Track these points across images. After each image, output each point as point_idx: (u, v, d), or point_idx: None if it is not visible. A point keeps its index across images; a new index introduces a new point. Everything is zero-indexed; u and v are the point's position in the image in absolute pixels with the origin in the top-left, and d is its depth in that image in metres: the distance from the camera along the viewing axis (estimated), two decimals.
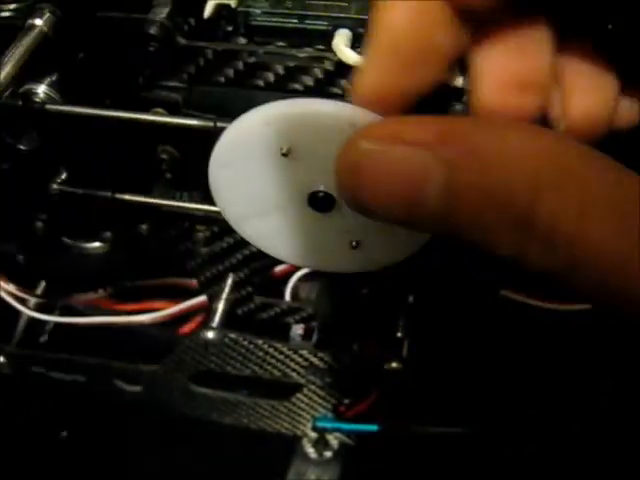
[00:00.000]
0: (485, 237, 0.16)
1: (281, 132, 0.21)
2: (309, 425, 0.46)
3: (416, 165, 0.16)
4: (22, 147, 0.34)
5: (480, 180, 0.16)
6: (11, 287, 0.46)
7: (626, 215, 0.15)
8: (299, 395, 0.44)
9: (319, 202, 0.23)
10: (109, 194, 0.36)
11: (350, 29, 0.31)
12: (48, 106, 0.32)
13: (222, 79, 0.32)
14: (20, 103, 0.32)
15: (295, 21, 0.31)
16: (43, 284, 0.47)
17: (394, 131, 0.17)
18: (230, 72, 0.32)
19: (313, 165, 0.22)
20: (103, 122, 0.32)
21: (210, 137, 0.24)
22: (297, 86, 0.32)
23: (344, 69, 0.31)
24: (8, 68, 0.30)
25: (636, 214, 0.15)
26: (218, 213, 0.32)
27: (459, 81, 0.26)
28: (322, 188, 0.23)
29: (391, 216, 0.18)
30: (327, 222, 0.23)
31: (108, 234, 0.42)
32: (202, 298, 0.44)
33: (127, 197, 0.37)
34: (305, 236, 0.24)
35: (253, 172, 0.23)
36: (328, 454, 0.46)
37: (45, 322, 0.48)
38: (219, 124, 0.30)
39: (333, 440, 0.46)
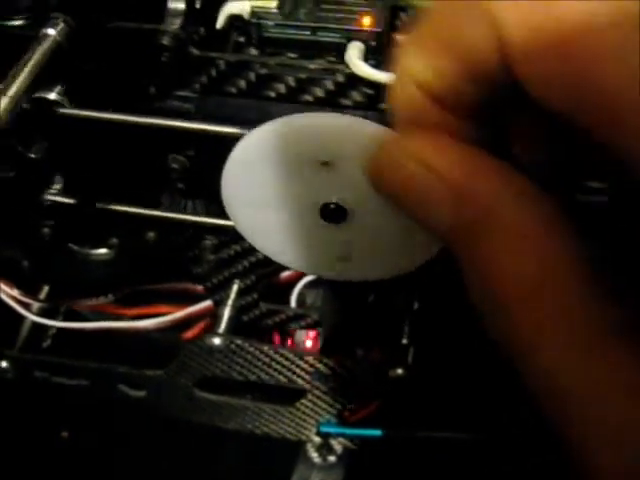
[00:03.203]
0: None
1: (309, 143, 0.21)
2: (313, 430, 0.46)
3: (432, 199, 0.17)
4: (32, 156, 0.34)
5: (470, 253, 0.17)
6: (14, 292, 0.46)
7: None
8: (304, 400, 0.44)
9: (331, 213, 0.24)
10: (116, 205, 0.37)
11: (363, 41, 0.31)
12: (62, 110, 0.32)
13: (234, 90, 0.33)
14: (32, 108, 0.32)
15: (307, 33, 0.32)
16: (46, 289, 0.47)
17: (426, 156, 0.17)
18: (242, 83, 0.32)
19: (332, 177, 0.22)
20: (118, 127, 0.32)
21: (225, 144, 0.24)
22: (308, 97, 0.32)
23: (355, 81, 0.32)
24: (23, 77, 0.30)
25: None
26: (223, 225, 0.32)
27: None
28: (334, 200, 0.23)
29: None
30: (332, 232, 0.24)
31: (115, 240, 0.42)
32: (207, 303, 0.44)
33: (135, 210, 0.37)
34: (310, 243, 0.25)
35: (269, 179, 0.23)
36: (332, 459, 0.46)
37: (49, 327, 0.48)
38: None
39: (337, 445, 0.46)
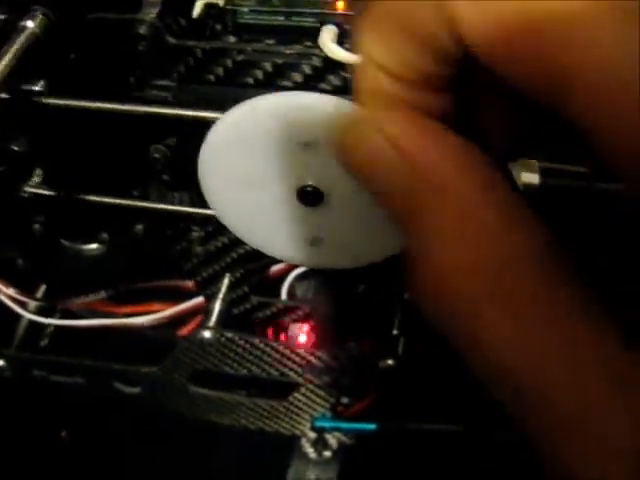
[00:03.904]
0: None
1: (289, 124, 0.21)
2: (308, 425, 0.45)
3: (388, 170, 0.17)
4: (15, 148, 0.35)
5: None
6: (11, 290, 0.46)
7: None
8: (297, 394, 0.44)
9: (307, 196, 0.23)
10: (101, 197, 0.37)
11: (336, 25, 0.31)
12: (43, 100, 0.32)
13: (212, 77, 0.33)
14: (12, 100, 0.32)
15: (282, 18, 0.32)
16: (43, 287, 0.48)
17: (385, 127, 0.17)
18: (219, 70, 0.33)
19: (310, 159, 0.22)
20: (99, 116, 0.32)
21: (205, 132, 0.24)
22: (286, 83, 0.32)
23: (332, 65, 0.31)
24: (0, 70, 0.31)
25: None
26: (209, 214, 0.32)
27: None
28: (311, 182, 0.23)
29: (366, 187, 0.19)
30: (309, 216, 0.24)
31: (105, 235, 0.42)
32: (199, 299, 0.44)
33: (121, 201, 0.37)
34: (286, 227, 0.25)
35: (246, 161, 0.23)
36: (327, 454, 0.45)
37: (45, 325, 0.48)
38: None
39: (332, 439, 0.46)
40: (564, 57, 0.14)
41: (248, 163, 0.23)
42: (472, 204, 0.16)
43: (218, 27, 0.33)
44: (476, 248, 0.15)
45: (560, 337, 0.14)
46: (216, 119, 0.23)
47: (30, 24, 0.32)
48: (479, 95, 0.19)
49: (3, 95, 0.32)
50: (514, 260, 0.15)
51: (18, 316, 0.47)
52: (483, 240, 0.15)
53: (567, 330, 0.14)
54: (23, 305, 0.47)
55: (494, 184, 0.16)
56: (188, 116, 0.32)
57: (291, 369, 0.43)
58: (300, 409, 0.45)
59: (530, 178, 0.35)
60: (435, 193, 0.16)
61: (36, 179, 0.37)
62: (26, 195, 0.37)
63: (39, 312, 0.47)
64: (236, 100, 0.26)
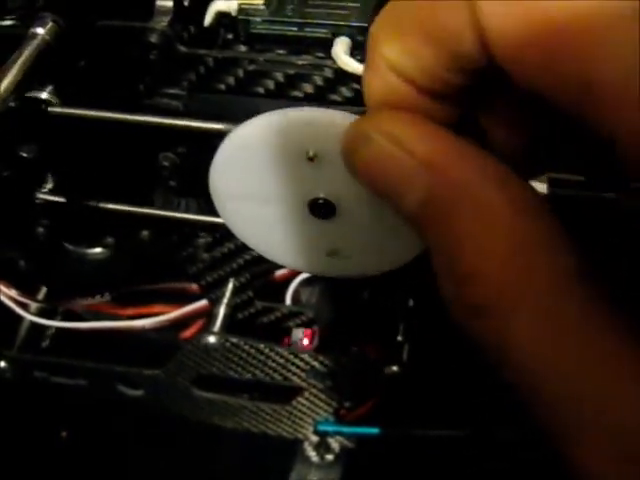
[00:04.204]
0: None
1: (295, 138, 0.21)
2: (310, 428, 0.46)
3: (403, 175, 0.17)
4: (24, 154, 0.34)
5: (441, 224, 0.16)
6: (13, 292, 0.46)
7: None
8: (300, 399, 0.44)
9: (319, 209, 0.23)
10: (108, 204, 0.37)
11: (350, 37, 0.31)
12: (52, 109, 0.32)
13: (222, 86, 0.33)
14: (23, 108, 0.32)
15: (295, 29, 0.32)
16: (45, 289, 0.47)
17: (398, 133, 0.17)
18: (230, 79, 0.32)
19: (319, 172, 0.22)
20: (109, 125, 0.32)
21: (215, 141, 0.24)
22: (297, 93, 0.32)
23: (343, 77, 0.31)
24: (11, 76, 0.30)
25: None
26: (216, 222, 0.32)
27: None
28: (322, 195, 0.23)
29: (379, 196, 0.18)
30: (321, 228, 0.24)
31: (110, 240, 0.42)
32: (203, 302, 0.44)
33: (127, 208, 0.37)
34: (299, 239, 0.25)
35: (256, 175, 0.23)
36: (329, 457, 0.46)
37: (47, 327, 0.48)
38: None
39: (334, 443, 0.46)
40: (598, 64, 0.13)
41: (260, 176, 0.23)
42: (496, 209, 0.16)
43: (229, 36, 0.33)
44: (504, 252, 0.15)
45: (586, 344, 0.14)
46: (225, 131, 0.23)
47: (40, 31, 0.32)
48: (491, 109, 0.18)
49: (13, 103, 0.31)
50: (544, 267, 0.15)
51: (20, 317, 0.47)
52: (511, 245, 0.15)
53: (595, 339, 0.14)
54: (25, 307, 0.47)
55: (515, 191, 0.16)
56: (198, 127, 0.31)
57: (295, 374, 0.43)
58: (303, 413, 0.45)
59: (538, 188, 0.35)
60: (457, 198, 0.16)
61: (49, 185, 0.37)
62: (35, 200, 0.37)
63: (41, 314, 0.47)
64: (247, 110, 0.26)
